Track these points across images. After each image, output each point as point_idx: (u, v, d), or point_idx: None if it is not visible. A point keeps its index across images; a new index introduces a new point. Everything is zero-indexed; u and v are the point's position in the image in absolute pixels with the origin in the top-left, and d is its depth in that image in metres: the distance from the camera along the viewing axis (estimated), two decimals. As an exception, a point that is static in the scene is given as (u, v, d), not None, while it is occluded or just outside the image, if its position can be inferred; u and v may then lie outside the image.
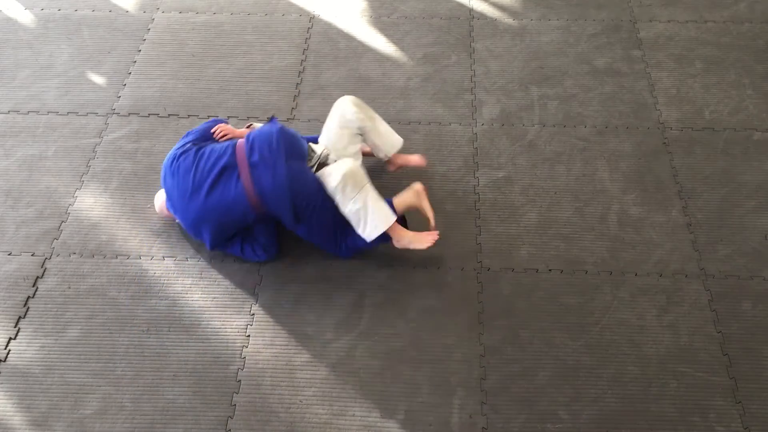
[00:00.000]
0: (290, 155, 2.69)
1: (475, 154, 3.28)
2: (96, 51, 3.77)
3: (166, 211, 2.93)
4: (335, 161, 2.84)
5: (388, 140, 3.04)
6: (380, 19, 3.94)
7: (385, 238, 2.80)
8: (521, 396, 2.53)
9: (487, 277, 2.85)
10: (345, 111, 2.91)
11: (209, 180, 2.67)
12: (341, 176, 2.68)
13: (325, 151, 2.87)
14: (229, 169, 2.67)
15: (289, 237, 2.94)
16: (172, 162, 2.77)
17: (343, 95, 3.03)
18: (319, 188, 2.71)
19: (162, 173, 2.84)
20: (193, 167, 2.71)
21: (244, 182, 2.64)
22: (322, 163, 2.84)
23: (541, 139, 3.34)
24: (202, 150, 2.75)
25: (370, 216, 2.71)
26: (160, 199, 2.94)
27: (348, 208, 2.71)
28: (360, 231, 2.74)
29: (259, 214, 2.71)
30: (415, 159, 3.11)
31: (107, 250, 2.92)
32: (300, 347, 2.65)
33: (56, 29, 3.89)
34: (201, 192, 2.68)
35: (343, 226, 2.78)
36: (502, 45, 3.80)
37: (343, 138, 2.91)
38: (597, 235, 2.98)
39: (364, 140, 2.99)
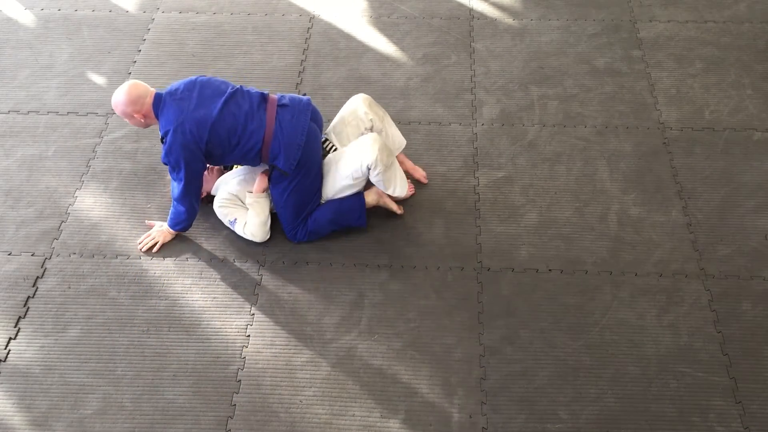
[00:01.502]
0: (314, 119, 2.86)
1: (475, 154, 3.28)
2: (96, 51, 3.77)
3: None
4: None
5: (396, 141, 3.07)
6: (380, 19, 3.94)
7: (354, 221, 2.94)
8: (521, 396, 2.53)
9: (487, 277, 2.85)
10: (357, 108, 2.98)
11: (244, 96, 2.75)
12: (378, 150, 2.76)
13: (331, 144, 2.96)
14: (261, 104, 2.75)
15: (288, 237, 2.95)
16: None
17: (357, 94, 3.04)
18: (320, 161, 2.87)
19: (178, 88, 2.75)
20: (223, 85, 2.77)
21: (268, 116, 2.73)
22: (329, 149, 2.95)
23: (541, 139, 3.34)
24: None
25: (399, 175, 2.90)
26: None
27: (386, 175, 2.83)
28: (391, 191, 2.90)
29: (263, 152, 2.74)
30: (420, 174, 3.16)
31: (107, 250, 2.92)
32: (300, 347, 2.65)
33: (56, 29, 3.89)
34: (230, 98, 2.72)
35: (310, 209, 2.87)
36: (502, 45, 3.80)
37: (349, 135, 2.96)
38: (597, 235, 2.98)
39: None
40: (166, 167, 3.09)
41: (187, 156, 2.68)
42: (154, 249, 2.91)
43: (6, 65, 3.70)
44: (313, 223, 2.89)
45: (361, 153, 2.78)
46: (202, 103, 2.69)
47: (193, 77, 2.78)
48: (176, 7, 4.02)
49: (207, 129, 2.67)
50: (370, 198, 2.95)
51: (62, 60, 3.72)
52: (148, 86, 2.76)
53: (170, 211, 2.87)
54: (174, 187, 2.79)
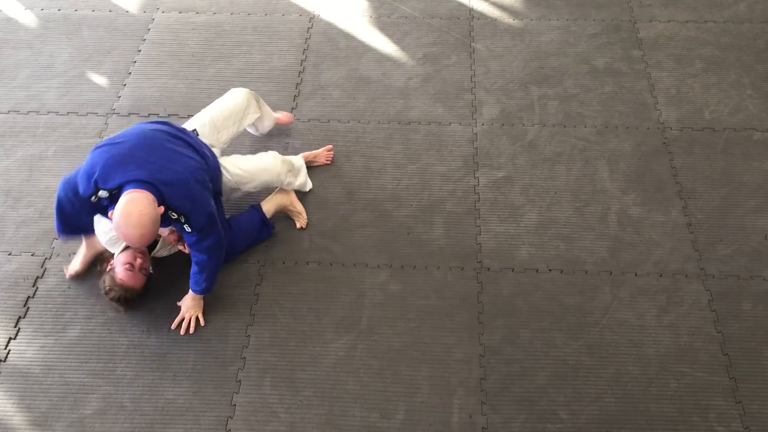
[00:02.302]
0: None
1: (475, 154, 3.28)
2: (96, 51, 3.77)
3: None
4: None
5: (269, 121, 3.20)
6: (380, 19, 3.94)
7: (263, 235, 2.94)
8: (521, 396, 2.53)
9: (487, 277, 2.85)
10: (247, 112, 2.99)
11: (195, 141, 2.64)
12: (280, 171, 2.91)
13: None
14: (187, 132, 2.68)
15: (290, 238, 2.94)
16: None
17: (238, 88, 3.04)
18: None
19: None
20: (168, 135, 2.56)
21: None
22: None
23: (541, 139, 3.34)
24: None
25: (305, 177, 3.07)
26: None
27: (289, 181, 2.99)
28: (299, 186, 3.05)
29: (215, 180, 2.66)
30: (284, 118, 3.30)
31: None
32: (300, 347, 2.65)
33: (56, 29, 3.89)
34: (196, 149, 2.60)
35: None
36: (502, 45, 3.80)
37: (230, 131, 2.94)
38: (597, 235, 2.98)
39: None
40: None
41: (210, 201, 2.51)
42: (200, 322, 2.71)
43: (6, 65, 3.70)
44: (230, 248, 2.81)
45: (265, 171, 2.88)
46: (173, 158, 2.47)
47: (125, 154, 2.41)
48: (176, 7, 4.02)
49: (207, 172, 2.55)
50: (269, 206, 2.94)
51: (62, 60, 3.72)
52: (145, 201, 2.31)
53: (203, 277, 2.61)
54: (208, 247, 2.53)
